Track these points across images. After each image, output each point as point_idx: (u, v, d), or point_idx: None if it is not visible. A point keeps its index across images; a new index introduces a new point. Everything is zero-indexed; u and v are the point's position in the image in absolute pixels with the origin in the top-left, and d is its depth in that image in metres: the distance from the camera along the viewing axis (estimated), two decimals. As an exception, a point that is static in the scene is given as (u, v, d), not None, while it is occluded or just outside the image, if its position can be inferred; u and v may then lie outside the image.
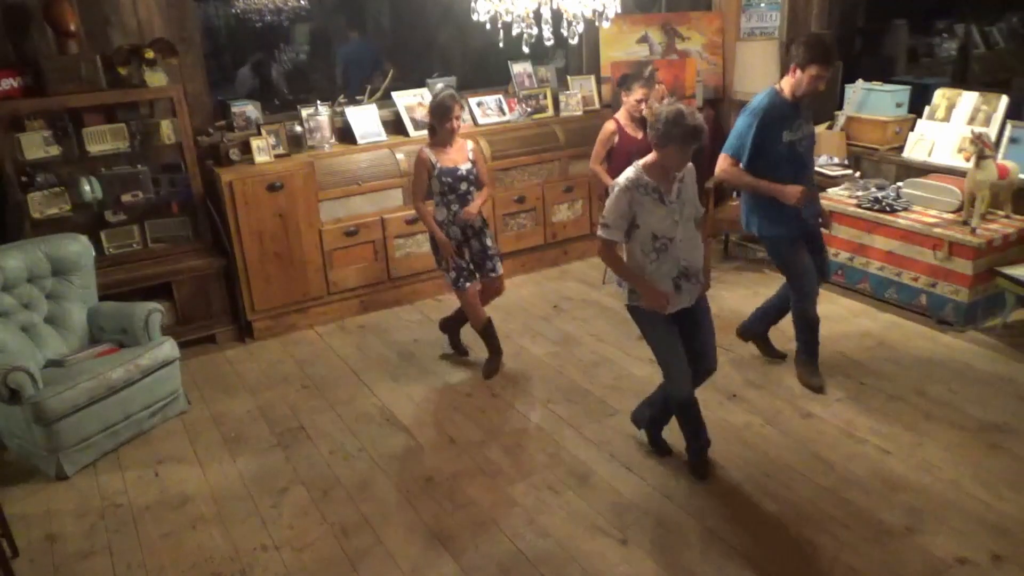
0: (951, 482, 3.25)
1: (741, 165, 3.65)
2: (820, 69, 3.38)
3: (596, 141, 4.64)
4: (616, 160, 4.51)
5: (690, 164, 3.03)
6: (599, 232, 3.04)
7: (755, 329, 4.22)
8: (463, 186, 4.02)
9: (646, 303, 3.04)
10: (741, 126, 3.59)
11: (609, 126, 4.56)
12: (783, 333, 4.19)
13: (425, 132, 4.38)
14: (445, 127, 3.94)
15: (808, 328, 3.92)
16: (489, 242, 4.18)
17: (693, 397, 3.23)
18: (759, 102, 3.56)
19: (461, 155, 4.04)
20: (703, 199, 5.42)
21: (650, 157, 2.97)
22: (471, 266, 4.14)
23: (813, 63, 3.36)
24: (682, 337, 3.14)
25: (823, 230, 3.93)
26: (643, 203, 2.94)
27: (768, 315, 4.13)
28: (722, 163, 3.67)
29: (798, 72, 3.42)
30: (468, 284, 4.11)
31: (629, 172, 2.97)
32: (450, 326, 4.51)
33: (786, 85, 3.51)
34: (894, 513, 3.09)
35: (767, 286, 5.12)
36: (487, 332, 4.30)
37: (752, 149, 3.54)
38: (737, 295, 5.15)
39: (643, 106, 4.49)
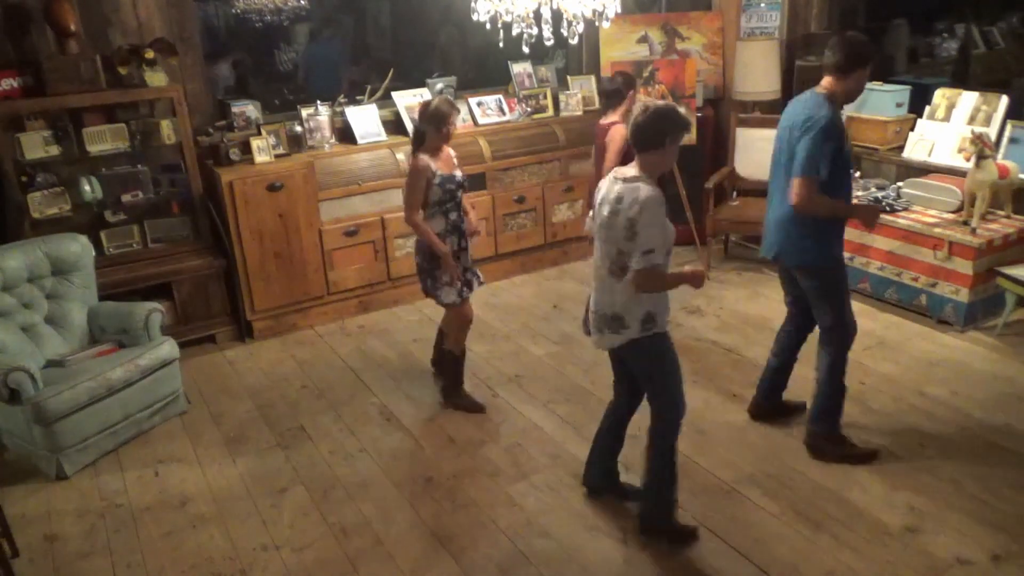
0: (951, 482, 3.25)
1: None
2: (866, 70, 3.12)
3: (608, 151, 4.04)
4: None
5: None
6: (646, 263, 2.64)
7: (767, 407, 3.77)
8: (460, 193, 3.81)
9: (693, 284, 2.78)
10: (813, 146, 3.06)
11: (622, 131, 3.92)
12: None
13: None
14: (442, 132, 3.66)
15: (838, 392, 3.40)
16: (470, 252, 3.94)
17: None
18: (824, 116, 3.08)
19: (452, 162, 3.82)
20: (703, 199, 5.47)
21: (635, 167, 2.73)
22: (466, 276, 3.89)
23: (861, 66, 3.06)
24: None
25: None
26: None
27: (774, 384, 3.74)
28: (802, 189, 3.09)
29: (846, 79, 3.09)
30: (468, 293, 3.84)
31: (646, 187, 2.66)
32: (452, 385, 4.05)
33: (837, 93, 3.14)
34: (894, 513, 3.09)
35: (767, 286, 5.13)
36: (461, 358, 4.04)
37: (827, 168, 3.10)
38: (737, 295, 5.15)
39: None
